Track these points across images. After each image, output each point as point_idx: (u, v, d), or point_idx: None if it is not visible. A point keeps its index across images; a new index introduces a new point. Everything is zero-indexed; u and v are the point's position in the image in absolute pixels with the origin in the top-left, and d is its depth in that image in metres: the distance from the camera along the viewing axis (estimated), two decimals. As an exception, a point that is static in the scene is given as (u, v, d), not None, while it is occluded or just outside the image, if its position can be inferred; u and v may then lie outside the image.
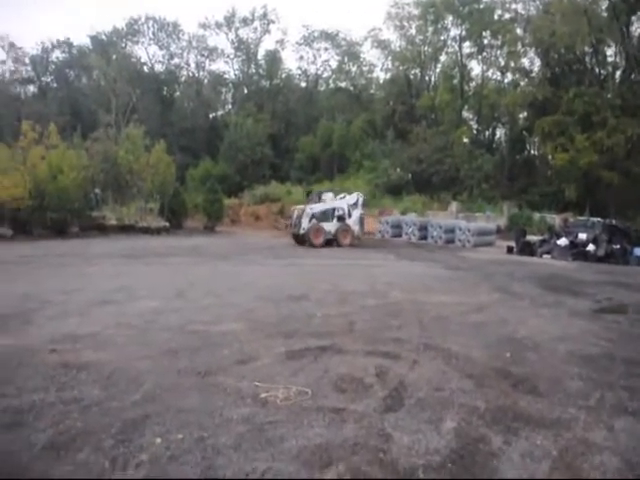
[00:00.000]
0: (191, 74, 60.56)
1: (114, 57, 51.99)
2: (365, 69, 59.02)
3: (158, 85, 56.72)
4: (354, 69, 59.09)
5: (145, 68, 58.34)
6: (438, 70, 51.27)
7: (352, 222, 24.70)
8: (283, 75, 60.00)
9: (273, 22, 56.95)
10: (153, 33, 57.77)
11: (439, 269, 16.67)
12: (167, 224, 30.09)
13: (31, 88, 60.28)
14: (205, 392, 5.37)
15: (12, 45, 54.66)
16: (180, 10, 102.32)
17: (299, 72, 61.01)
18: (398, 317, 9.18)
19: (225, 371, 6.04)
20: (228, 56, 59.10)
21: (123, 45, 57.68)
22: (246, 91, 59.14)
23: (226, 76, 60.58)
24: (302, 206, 24.69)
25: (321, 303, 10.33)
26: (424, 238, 27.40)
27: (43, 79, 60.32)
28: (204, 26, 57.49)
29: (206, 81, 60.25)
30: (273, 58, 57.53)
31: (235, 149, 46.50)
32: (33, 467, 3.90)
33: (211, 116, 59.64)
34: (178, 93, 59.93)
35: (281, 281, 13.41)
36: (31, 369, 5.97)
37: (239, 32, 57.71)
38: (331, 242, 23.90)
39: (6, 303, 9.70)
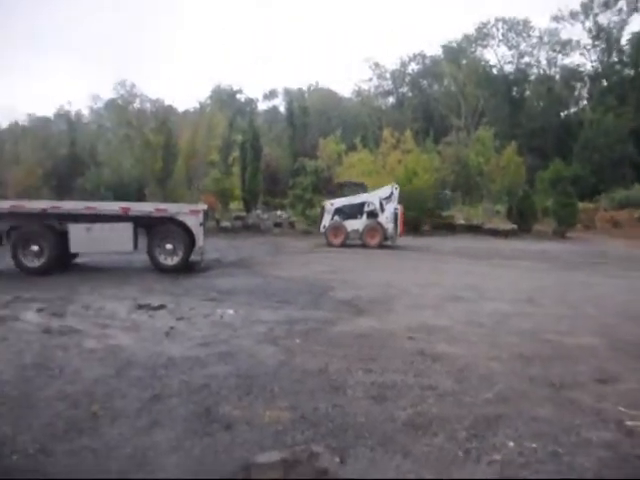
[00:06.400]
0: (542, 71, 58.34)
1: (464, 62, 53.53)
2: None
3: (507, 86, 56.21)
4: None
5: (494, 70, 58.48)
6: None
7: (385, 219, 21.01)
8: (651, 60, 52.47)
9: (644, -1, 50.39)
10: (502, 34, 57.89)
11: None
12: (514, 227, 29.57)
13: (390, 99, 67.58)
14: (560, 406, 5.01)
15: (377, 64, 63.00)
16: (531, 6, 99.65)
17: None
18: None
19: (582, 387, 5.54)
20: (584, 47, 55.15)
21: (472, 50, 59.02)
22: (605, 83, 53.75)
23: (581, 69, 56.36)
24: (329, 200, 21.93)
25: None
26: None
27: (400, 90, 66.75)
28: (557, 18, 54.88)
29: (558, 77, 57.15)
30: (640, 41, 50.82)
31: (590, 148, 42.86)
32: (397, 439, 4.23)
33: (563, 114, 56.46)
34: (528, 92, 58.33)
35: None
36: (392, 352, 6.55)
37: (598, 18, 52.91)
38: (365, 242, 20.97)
39: (374, 290, 11.09)
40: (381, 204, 21.36)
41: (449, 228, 29.69)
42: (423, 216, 29.17)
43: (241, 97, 74.71)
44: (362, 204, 21.63)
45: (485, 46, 59.19)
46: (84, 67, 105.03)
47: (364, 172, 28.22)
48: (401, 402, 4.95)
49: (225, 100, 66.46)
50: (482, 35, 58.58)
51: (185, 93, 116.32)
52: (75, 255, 14.29)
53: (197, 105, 57.33)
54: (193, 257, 14.01)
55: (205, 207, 14.50)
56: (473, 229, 29.50)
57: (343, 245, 21.01)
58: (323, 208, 22.13)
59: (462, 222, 30.51)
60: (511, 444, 4.22)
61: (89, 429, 4.29)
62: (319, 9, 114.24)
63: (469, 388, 5.37)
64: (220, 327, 7.64)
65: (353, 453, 3.98)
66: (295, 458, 3.83)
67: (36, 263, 12.63)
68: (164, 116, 34.37)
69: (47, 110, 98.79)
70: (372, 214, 21.43)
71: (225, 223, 28.25)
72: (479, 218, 31.55)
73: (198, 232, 13.31)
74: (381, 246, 21.05)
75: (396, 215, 21.33)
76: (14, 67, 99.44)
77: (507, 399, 5.12)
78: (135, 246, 13.35)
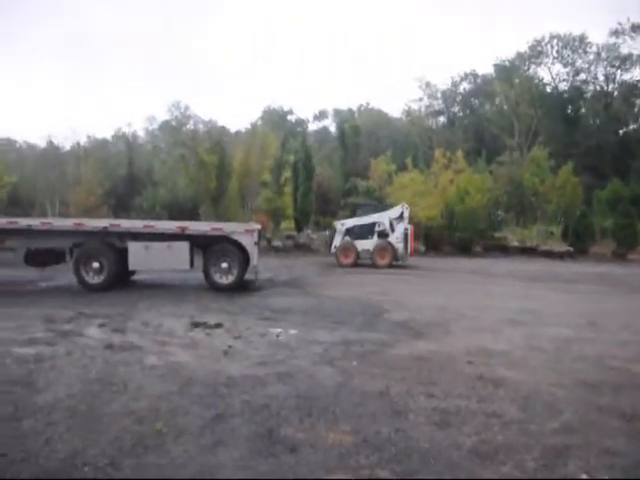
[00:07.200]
0: (598, 88, 56.65)
1: (516, 81, 52.75)
2: None
3: (562, 104, 54.97)
4: None
5: (548, 88, 57.41)
6: None
7: (395, 239, 21.11)
8: None
9: None
10: (557, 51, 56.66)
11: None
12: (570, 249, 28.69)
13: (441, 119, 67.05)
14: (633, 438, 4.76)
15: (427, 84, 62.72)
16: (588, 21, 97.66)
17: None
18: None
19: (658, 420, 5.28)
20: (646, 61, 53.03)
21: (526, 68, 58.10)
22: (668, 98, 51.94)
23: (641, 85, 54.38)
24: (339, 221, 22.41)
25: None
26: None
27: (451, 109, 66.21)
28: (616, 33, 53.12)
29: (616, 93, 55.44)
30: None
31: (653, 166, 41.25)
32: (463, 466, 4.14)
33: (621, 132, 54.48)
34: (583, 110, 56.73)
35: None
36: (452, 376, 6.42)
37: (663, 30, 51.07)
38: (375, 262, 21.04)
39: (429, 312, 10.93)
40: (391, 224, 21.48)
41: (502, 249, 29.12)
42: (475, 237, 28.70)
43: (292, 118, 75.93)
44: (373, 224, 21.77)
45: (539, 64, 58.10)
46: (139, 90, 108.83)
47: (416, 192, 28.01)
48: (465, 429, 4.83)
49: (276, 121, 67.61)
50: (536, 53, 57.52)
51: (237, 115, 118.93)
52: (133, 272, 14.67)
53: (249, 126, 58.48)
54: (247, 276, 14.18)
55: (259, 227, 14.68)
56: (527, 251, 28.79)
57: (354, 265, 21.15)
58: (334, 229, 22.38)
59: (515, 244, 29.83)
60: (584, 477, 4.05)
61: (155, 446, 4.36)
62: (368, 29, 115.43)
63: (535, 416, 5.20)
64: (277, 347, 7.68)
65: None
66: (360, 483, 3.79)
67: (96, 280, 13.05)
68: (218, 136, 35.15)
69: (105, 132, 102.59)
70: (383, 234, 21.54)
71: (276, 242, 28.55)
72: (533, 240, 30.79)
73: (253, 251, 13.46)
74: (406, 266, 20.95)
75: (406, 235, 21.34)
76: (74, 91, 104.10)
77: (575, 429, 4.93)
78: (191, 264, 13.62)
